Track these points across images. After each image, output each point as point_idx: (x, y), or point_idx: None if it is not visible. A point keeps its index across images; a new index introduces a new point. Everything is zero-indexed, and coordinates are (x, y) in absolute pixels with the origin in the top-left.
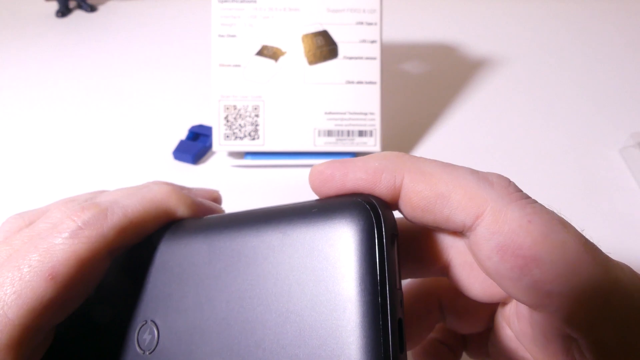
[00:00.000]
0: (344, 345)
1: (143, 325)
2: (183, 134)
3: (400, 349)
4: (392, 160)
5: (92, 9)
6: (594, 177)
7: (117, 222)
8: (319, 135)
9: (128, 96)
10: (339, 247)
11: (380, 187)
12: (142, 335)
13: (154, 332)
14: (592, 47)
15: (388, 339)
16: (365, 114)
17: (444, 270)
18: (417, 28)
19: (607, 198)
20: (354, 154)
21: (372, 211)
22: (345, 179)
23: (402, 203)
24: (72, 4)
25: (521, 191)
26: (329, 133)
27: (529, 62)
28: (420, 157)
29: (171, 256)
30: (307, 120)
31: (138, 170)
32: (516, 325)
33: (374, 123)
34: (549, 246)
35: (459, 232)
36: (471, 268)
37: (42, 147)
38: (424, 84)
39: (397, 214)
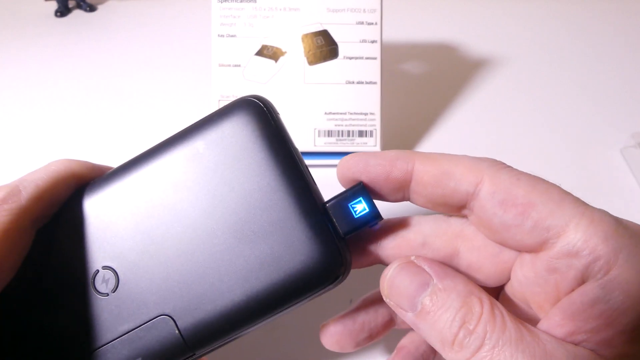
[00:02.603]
0: (295, 235)
1: (95, 275)
2: None
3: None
4: (405, 151)
5: (91, 8)
6: (594, 177)
7: (32, 193)
8: (319, 135)
9: (128, 96)
10: (248, 132)
11: (395, 170)
12: (98, 284)
13: (109, 275)
14: (592, 47)
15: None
16: (366, 114)
17: (454, 258)
18: (417, 28)
19: (608, 198)
20: None
21: (256, 100)
22: (367, 164)
23: (415, 183)
24: (71, 4)
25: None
26: (329, 133)
27: (529, 62)
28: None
29: (100, 209)
30: (307, 120)
31: None
32: (519, 274)
33: (374, 123)
34: (537, 192)
35: (463, 209)
36: (479, 250)
37: (42, 147)
38: (424, 84)
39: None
